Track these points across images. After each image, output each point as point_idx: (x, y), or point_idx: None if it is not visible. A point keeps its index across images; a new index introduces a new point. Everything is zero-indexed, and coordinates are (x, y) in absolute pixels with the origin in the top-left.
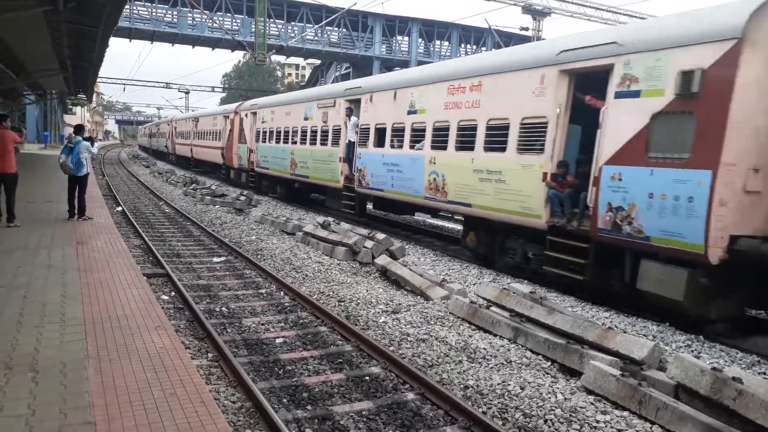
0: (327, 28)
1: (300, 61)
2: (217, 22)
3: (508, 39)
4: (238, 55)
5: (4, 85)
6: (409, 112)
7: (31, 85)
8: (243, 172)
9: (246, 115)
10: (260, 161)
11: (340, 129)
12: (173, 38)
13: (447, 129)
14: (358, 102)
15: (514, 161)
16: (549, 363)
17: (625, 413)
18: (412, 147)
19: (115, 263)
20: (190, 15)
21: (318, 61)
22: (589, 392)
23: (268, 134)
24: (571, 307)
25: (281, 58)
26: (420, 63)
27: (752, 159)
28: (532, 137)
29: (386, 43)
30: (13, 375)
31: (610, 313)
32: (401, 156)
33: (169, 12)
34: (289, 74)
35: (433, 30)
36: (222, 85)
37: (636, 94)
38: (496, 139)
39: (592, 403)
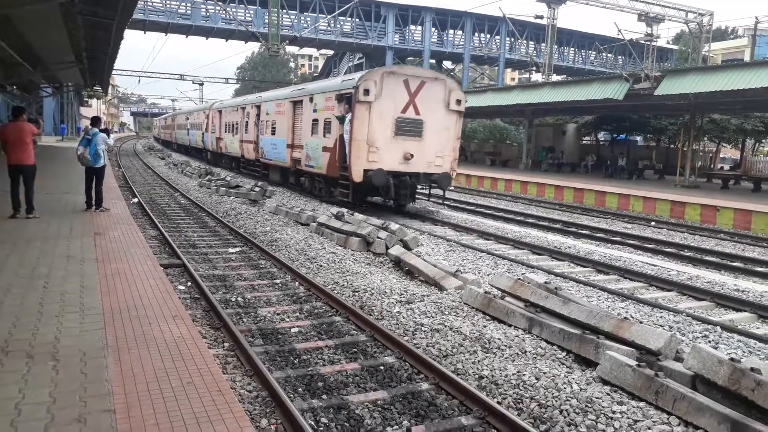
0: (340, 18)
1: (313, 51)
2: (231, 13)
3: (522, 27)
4: (252, 47)
5: (22, 78)
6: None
7: (47, 77)
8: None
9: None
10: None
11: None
12: (187, 30)
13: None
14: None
15: (320, 140)
16: (564, 353)
17: (642, 404)
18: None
19: (132, 254)
20: (204, 6)
21: (331, 52)
22: (605, 383)
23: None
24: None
25: (294, 49)
26: (433, 52)
27: (366, 137)
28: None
29: (399, 32)
30: (35, 364)
31: (625, 303)
32: (276, 139)
33: (183, 4)
34: (303, 65)
35: (446, 19)
36: (236, 77)
37: (315, 109)
38: (317, 128)
39: (608, 394)
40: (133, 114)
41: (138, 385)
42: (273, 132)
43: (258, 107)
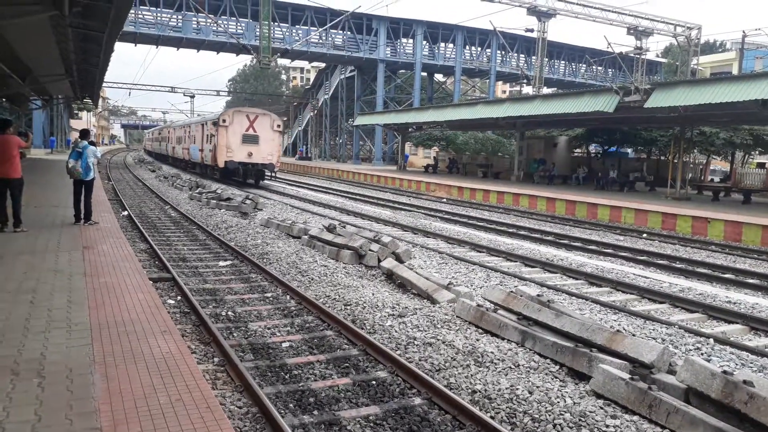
0: (331, 31)
1: (305, 64)
2: (222, 25)
3: (513, 40)
4: (244, 59)
5: (11, 91)
6: (215, 130)
7: (37, 90)
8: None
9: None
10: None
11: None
12: (178, 42)
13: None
14: (212, 124)
15: (209, 146)
16: (557, 367)
17: (635, 417)
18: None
19: (121, 267)
20: (195, 19)
21: (323, 64)
22: (598, 396)
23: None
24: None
25: (286, 62)
26: (425, 65)
27: (225, 143)
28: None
29: (391, 45)
30: (20, 381)
31: (618, 316)
32: (194, 146)
33: (174, 16)
34: (294, 77)
35: (437, 32)
36: (227, 89)
37: (207, 129)
38: (209, 139)
39: (602, 408)
40: (123, 126)
41: (125, 402)
42: (194, 142)
43: (188, 127)
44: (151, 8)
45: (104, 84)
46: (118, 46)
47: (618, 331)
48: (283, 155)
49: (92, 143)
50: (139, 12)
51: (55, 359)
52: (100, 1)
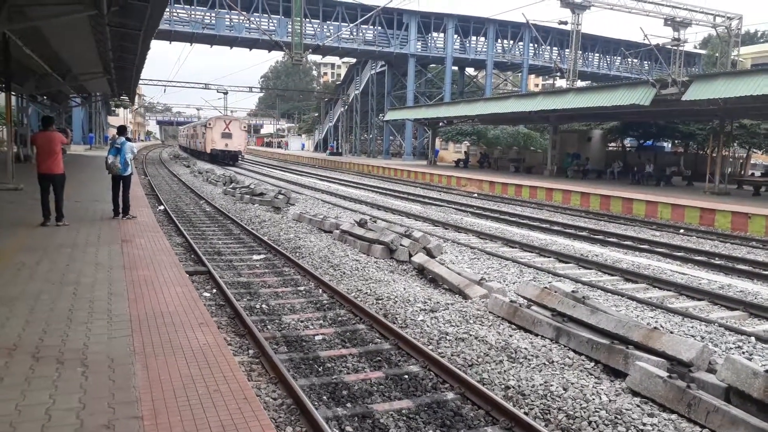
0: (362, 26)
1: (336, 60)
2: (254, 22)
3: (546, 33)
4: (276, 56)
5: (52, 89)
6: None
7: (76, 88)
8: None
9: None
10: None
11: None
12: (211, 39)
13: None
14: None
15: (205, 139)
16: (592, 363)
17: (673, 416)
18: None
19: (158, 261)
20: (228, 16)
21: (353, 60)
22: (635, 394)
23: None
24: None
25: (317, 58)
26: (455, 59)
27: (211, 138)
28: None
29: (421, 40)
30: (64, 369)
31: (655, 313)
32: (198, 142)
33: (208, 14)
34: (325, 73)
35: (468, 26)
36: (260, 86)
37: (204, 129)
38: (205, 135)
39: (638, 405)
40: (159, 123)
41: (165, 392)
42: (201, 137)
43: (194, 127)
44: (186, 6)
45: (140, 81)
46: (154, 44)
47: (655, 328)
48: (314, 151)
49: (129, 139)
50: (174, 10)
51: (98, 349)
52: (137, 1)
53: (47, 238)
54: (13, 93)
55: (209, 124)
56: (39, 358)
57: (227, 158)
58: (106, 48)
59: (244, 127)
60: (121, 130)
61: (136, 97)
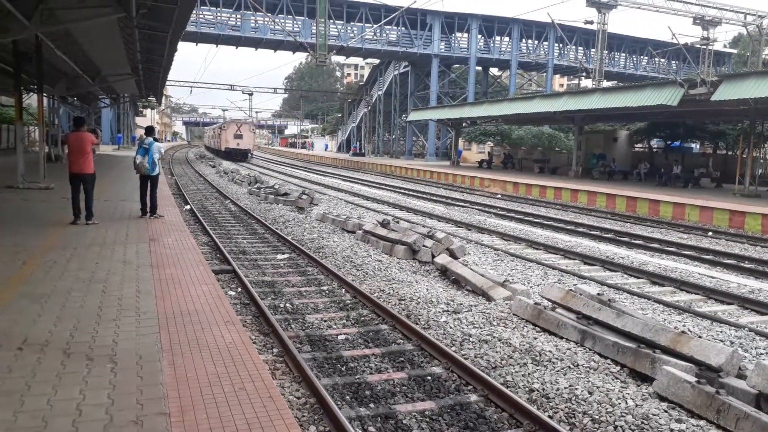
0: (386, 27)
1: (359, 60)
2: (279, 24)
3: (571, 33)
4: (300, 57)
5: (82, 90)
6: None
7: (105, 89)
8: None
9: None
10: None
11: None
12: (237, 41)
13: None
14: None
15: (220, 139)
16: (618, 367)
17: (702, 422)
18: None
19: (185, 259)
20: (253, 18)
21: (377, 61)
22: (662, 399)
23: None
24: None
25: (340, 59)
26: (479, 59)
27: (225, 138)
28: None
29: (445, 40)
30: (94, 366)
31: (683, 317)
32: (216, 141)
33: (233, 15)
34: (348, 74)
35: (493, 26)
36: (284, 87)
37: (220, 131)
38: (220, 135)
39: (666, 411)
40: (185, 123)
41: (192, 389)
42: (218, 137)
43: (213, 129)
44: (212, 8)
45: (167, 82)
46: (180, 45)
47: (683, 332)
48: (337, 151)
49: (156, 140)
50: (200, 12)
51: (126, 346)
52: (165, 3)
53: (77, 236)
54: (44, 94)
55: (224, 127)
56: (69, 354)
57: (239, 155)
58: (134, 49)
59: (253, 129)
60: (149, 130)
61: (163, 98)
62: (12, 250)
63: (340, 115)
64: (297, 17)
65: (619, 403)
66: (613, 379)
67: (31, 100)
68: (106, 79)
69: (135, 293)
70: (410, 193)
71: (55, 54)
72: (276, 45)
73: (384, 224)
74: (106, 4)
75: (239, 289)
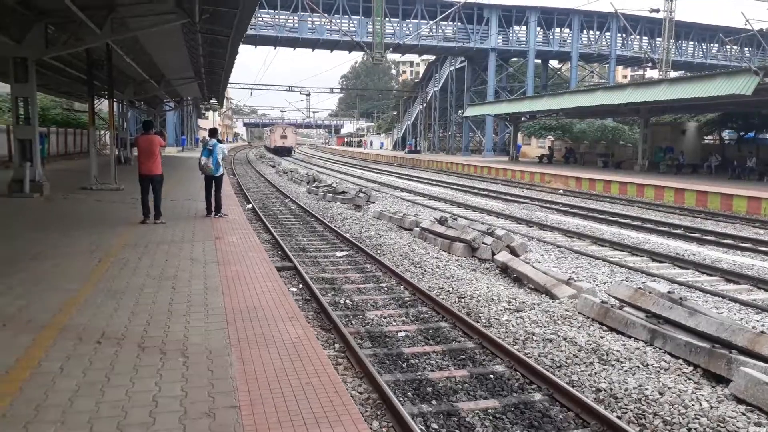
0: (442, 23)
1: (414, 57)
2: (335, 24)
3: (635, 22)
4: (356, 56)
5: (148, 94)
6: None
7: (170, 92)
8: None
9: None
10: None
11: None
12: (294, 42)
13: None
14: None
15: (271, 139)
16: (691, 368)
17: None
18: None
19: (249, 257)
20: (310, 19)
21: (432, 57)
22: (739, 401)
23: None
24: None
25: (395, 56)
26: (538, 52)
27: (273, 138)
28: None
29: (503, 33)
30: (167, 359)
31: (761, 316)
32: (267, 140)
33: (291, 17)
34: (404, 72)
35: (552, 18)
36: (340, 86)
37: (270, 132)
38: (270, 136)
39: (743, 414)
40: (245, 125)
41: (260, 383)
42: (269, 138)
43: (265, 131)
44: (270, 10)
45: (228, 85)
46: (240, 48)
47: (762, 332)
48: (392, 149)
49: (219, 141)
50: (259, 15)
51: (196, 341)
52: (227, 8)
53: (147, 235)
54: (114, 99)
55: (272, 130)
56: (144, 348)
57: (284, 151)
58: (197, 54)
59: (294, 131)
60: (213, 132)
61: (225, 100)
62: (88, 249)
63: (395, 113)
64: (353, 16)
65: (693, 405)
66: (685, 380)
67: (101, 105)
68: (170, 83)
69: (203, 289)
70: (467, 189)
71: (123, 60)
72: (332, 45)
73: (441, 221)
74: (171, 11)
75: (300, 286)
